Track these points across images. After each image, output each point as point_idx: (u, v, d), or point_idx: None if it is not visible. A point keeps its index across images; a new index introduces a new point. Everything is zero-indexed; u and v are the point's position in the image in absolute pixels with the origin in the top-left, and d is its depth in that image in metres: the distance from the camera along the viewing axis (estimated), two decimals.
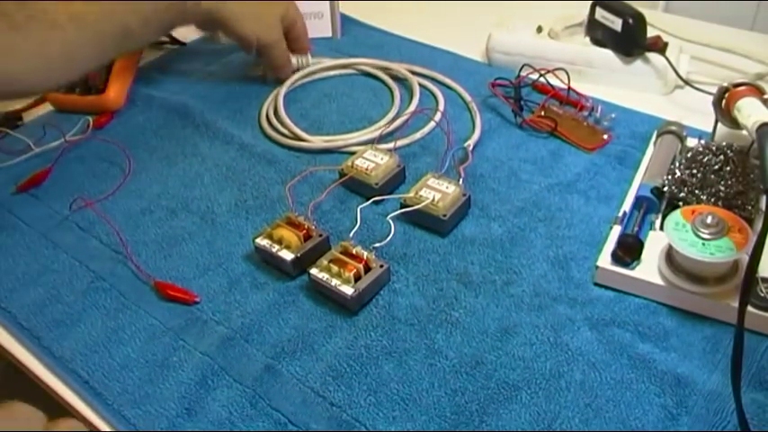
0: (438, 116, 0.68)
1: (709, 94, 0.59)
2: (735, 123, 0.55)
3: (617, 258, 0.51)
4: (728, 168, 0.54)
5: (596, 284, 0.52)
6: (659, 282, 0.49)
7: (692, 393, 0.44)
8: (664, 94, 0.72)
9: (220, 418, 0.45)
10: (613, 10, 0.70)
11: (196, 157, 0.68)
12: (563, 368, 0.46)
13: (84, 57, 0.61)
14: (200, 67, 0.82)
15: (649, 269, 0.50)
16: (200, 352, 0.49)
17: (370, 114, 0.71)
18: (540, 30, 0.76)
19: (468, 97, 0.71)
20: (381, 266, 0.52)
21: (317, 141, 0.67)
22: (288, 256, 0.53)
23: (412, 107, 0.70)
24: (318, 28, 0.74)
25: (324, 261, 0.52)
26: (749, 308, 0.45)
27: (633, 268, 0.50)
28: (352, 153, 0.63)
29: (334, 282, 0.50)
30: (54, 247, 0.59)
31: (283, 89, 0.75)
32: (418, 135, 0.67)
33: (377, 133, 0.66)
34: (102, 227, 0.60)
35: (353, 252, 0.52)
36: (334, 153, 0.67)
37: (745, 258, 0.42)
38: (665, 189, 0.55)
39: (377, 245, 0.54)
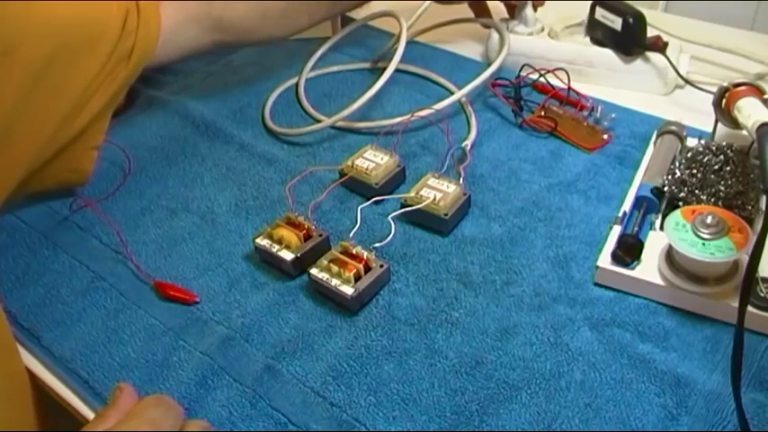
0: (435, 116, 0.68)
1: (710, 93, 0.59)
2: (735, 123, 0.55)
3: (617, 258, 0.51)
4: (728, 168, 0.54)
5: (596, 284, 0.52)
6: (659, 282, 0.49)
7: (692, 393, 0.44)
8: (664, 94, 0.72)
9: (220, 418, 0.45)
10: (613, 9, 0.70)
11: (196, 157, 0.68)
12: (563, 368, 0.46)
13: (297, 17, 0.68)
14: (200, 67, 0.82)
15: (649, 269, 0.50)
16: (200, 352, 0.49)
17: (370, 114, 0.71)
18: (540, 30, 0.76)
19: (462, 98, 0.71)
20: (381, 266, 0.52)
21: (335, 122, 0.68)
22: (288, 256, 0.53)
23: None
24: (317, 27, 0.75)
25: (324, 261, 0.52)
26: (749, 308, 0.45)
27: (633, 268, 0.50)
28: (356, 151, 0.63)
29: (334, 282, 0.50)
30: (54, 247, 0.59)
31: (289, 83, 0.75)
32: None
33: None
34: (102, 227, 0.60)
35: (353, 252, 0.52)
36: (335, 149, 0.67)
37: (745, 258, 0.42)
38: (665, 189, 0.55)
39: (377, 245, 0.54)
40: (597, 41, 0.74)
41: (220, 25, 0.65)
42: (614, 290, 0.51)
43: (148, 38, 0.60)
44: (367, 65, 0.79)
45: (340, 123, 0.68)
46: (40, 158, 0.55)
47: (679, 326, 0.48)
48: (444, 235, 0.57)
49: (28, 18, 0.51)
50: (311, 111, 0.72)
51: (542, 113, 0.68)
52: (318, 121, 0.69)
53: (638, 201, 0.55)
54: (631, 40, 0.70)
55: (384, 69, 0.68)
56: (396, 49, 0.69)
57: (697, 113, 0.64)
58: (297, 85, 0.76)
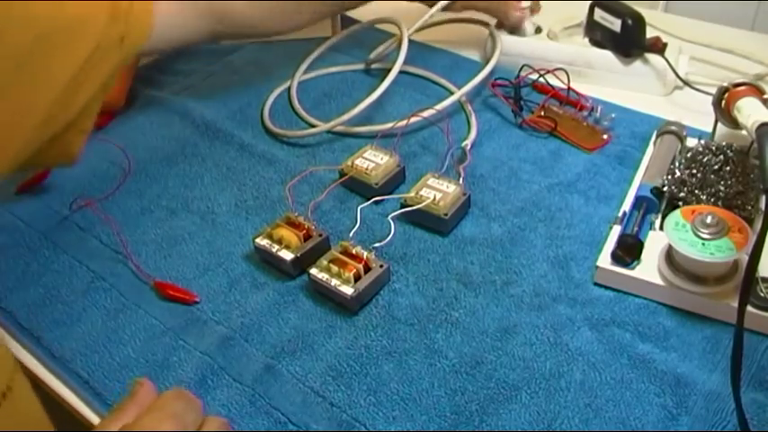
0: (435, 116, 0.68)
1: (709, 94, 0.59)
2: (735, 123, 0.55)
3: (617, 258, 0.51)
4: (728, 168, 0.54)
5: (596, 284, 0.52)
6: (659, 282, 0.49)
7: (692, 393, 0.44)
8: (663, 95, 0.72)
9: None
10: (612, 11, 0.70)
11: (196, 157, 0.68)
12: (563, 368, 0.46)
13: (309, 10, 0.69)
14: (200, 67, 0.82)
15: (649, 269, 0.50)
16: (200, 352, 0.49)
17: (370, 115, 0.71)
18: (539, 30, 0.76)
19: (462, 98, 0.71)
20: (381, 266, 0.52)
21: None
22: (288, 256, 0.53)
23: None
24: (317, 27, 0.75)
25: (324, 261, 0.52)
26: (749, 308, 0.45)
27: (633, 268, 0.50)
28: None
29: (334, 282, 0.50)
30: (54, 247, 0.59)
31: (289, 83, 0.75)
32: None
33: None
34: (102, 227, 0.60)
35: (353, 252, 0.52)
36: (335, 150, 0.67)
37: (745, 258, 0.42)
38: (665, 189, 0.55)
39: (377, 245, 0.54)
40: (596, 43, 0.74)
41: (223, 17, 0.65)
42: (614, 290, 0.51)
43: (142, 22, 0.59)
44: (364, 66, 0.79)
45: (339, 128, 0.68)
46: (29, 146, 0.55)
47: (679, 326, 0.48)
48: (444, 235, 0.57)
49: (10, 7, 0.51)
50: (303, 114, 0.72)
51: (542, 113, 0.68)
52: (311, 125, 0.69)
53: (638, 201, 0.55)
54: (630, 42, 0.70)
55: (381, 71, 0.68)
56: (397, 53, 0.68)
57: (697, 113, 0.64)
58: (289, 88, 0.76)
